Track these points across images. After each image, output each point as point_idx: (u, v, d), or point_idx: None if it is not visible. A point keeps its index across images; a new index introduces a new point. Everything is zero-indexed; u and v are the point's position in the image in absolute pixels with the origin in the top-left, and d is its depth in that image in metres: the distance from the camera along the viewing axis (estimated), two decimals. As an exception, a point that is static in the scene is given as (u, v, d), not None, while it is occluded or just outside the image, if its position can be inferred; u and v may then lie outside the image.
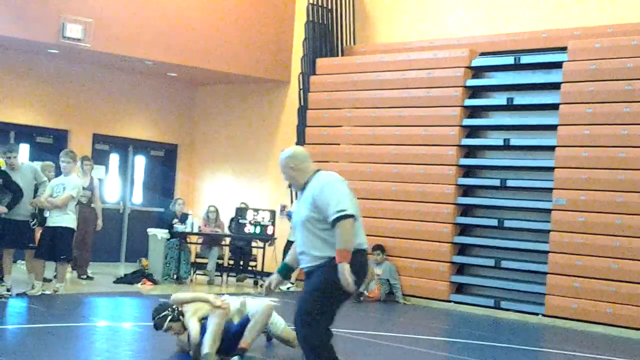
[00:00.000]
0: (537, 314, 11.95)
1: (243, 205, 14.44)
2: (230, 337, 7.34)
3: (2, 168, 10.76)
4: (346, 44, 15.42)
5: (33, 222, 10.93)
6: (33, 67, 14.83)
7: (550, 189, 12.05)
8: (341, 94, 14.48)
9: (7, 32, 12.76)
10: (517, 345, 9.74)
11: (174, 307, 7.41)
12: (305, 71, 14.96)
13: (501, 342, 9.95)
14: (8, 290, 10.54)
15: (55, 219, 10.94)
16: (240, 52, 15.08)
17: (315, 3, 15.05)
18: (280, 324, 8.00)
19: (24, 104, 14.92)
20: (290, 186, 14.60)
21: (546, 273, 11.91)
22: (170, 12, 14.23)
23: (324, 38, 15.17)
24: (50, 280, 11.45)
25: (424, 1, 14.61)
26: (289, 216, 14.02)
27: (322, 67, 14.86)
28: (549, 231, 11.97)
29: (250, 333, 7.34)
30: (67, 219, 10.99)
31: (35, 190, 10.94)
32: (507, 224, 12.58)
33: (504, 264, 12.52)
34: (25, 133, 15.01)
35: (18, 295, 10.57)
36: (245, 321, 7.46)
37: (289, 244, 14.08)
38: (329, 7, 15.24)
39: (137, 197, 16.92)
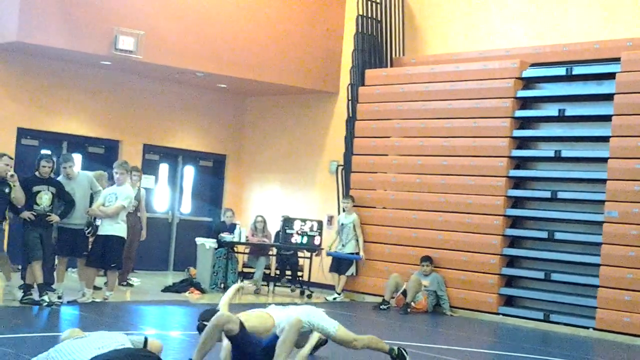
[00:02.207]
0: (587, 328, 11.77)
1: (285, 217, 14.47)
2: (260, 352, 6.81)
3: (58, 178, 10.97)
4: (395, 55, 15.41)
5: (88, 231, 11.13)
6: (86, 79, 15.07)
7: (602, 202, 11.89)
8: (390, 105, 14.47)
9: (60, 44, 13.00)
10: (567, 360, 9.61)
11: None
12: (354, 82, 14.98)
13: (551, 355, 9.80)
14: (59, 297, 10.70)
15: (107, 228, 11.12)
16: (289, 63, 15.15)
17: (364, 15, 15.07)
18: (334, 327, 7.42)
19: (77, 114, 15.17)
20: (341, 198, 14.62)
21: (597, 286, 11.73)
22: (221, 25, 14.37)
23: (373, 49, 15.18)
24: (100, 289, 11.61)
25: (474, 12, 14.55)
26: (341, 229, 14.02)
27: (371, 78, 14.86)
28: (600, 244, 11.80)
29: (281, 350, 6.70)
30: (118, 228, 11.16)
31: (91, 200, 11.13)
32: (557, 236, 12.43)
33: (554, 276, 12.37)
34: (78, 143, 15.24)
35: (69, 302, 10.73)
36: (274, 337, 6.91)
37: (341, 257, 14.10)
38: (379, 19, 15.25)
39: (186, 207, 17.07)
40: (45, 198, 10.54)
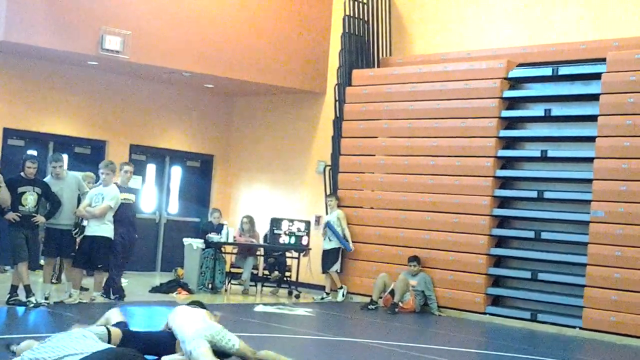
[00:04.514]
0: (574, 327, 11.81)
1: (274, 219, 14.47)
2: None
3: (45, 179, 10.92)
4: (382, 55, 15.42)
5: (76, 232, 11.10)
6: (72, 79, 15.02)
7: (588, 201, 11.93)
8: (377, 105, 14.48)
9: (47, 44, 12.94)
10: (554, 359, 9.62)
11: None
12: (341, 82, 14.98)
13: (538, 355, 9.83)
14: (46, 298, 10.66)
15: (94, 229, 11.09)
16: (276, 63, 15.14)
17: (351, 15, 15.07)
18: (235, 342, 7.02)
19: (63, 114, 15.11)
20: (326, 196, 14.65)
21: (584, 286, 11.78)
22: (208, 25, 14.34)
23: (360, 49, 15.19)
24: (87, 289, 11.58)
25: (461, 12, 14.57)
26: (328, 226, 14.04)
27: (358, 78, 14.87)
28: (586, 243, 11.84)
29: None
30: (104, 229, 11.12)
31: (79, 201, 11.09)
32: (544, 236, 12.47)
33: (541, 276, 12.41)
34: (64, 143, 15.18)
35: (56, 303, 10.69)
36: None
37: (326, 253, 14.12)
38: (366, 19, 15.25)
39: (173, 207, 17.03)
40: (30, 199, 10.47)
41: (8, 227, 10.50)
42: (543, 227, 12.62)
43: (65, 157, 11.77)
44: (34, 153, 14.04)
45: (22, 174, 10.61)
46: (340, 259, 14.16)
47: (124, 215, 11.63)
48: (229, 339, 6.97)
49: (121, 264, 11.88)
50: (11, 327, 9.34)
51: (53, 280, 11.85)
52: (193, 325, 6.96)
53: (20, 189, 10.45)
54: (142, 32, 13.52)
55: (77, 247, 11.24)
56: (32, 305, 10.28)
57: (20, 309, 10.19)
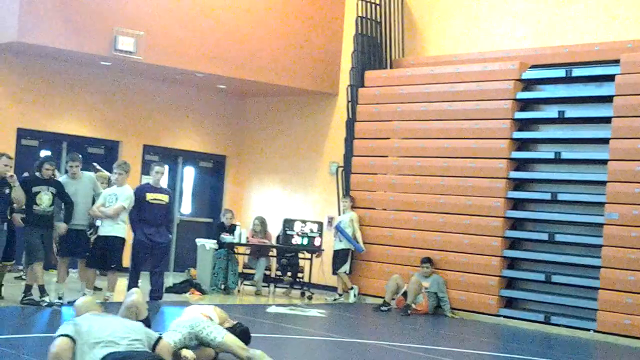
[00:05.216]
0: (588, 330, 11.77)
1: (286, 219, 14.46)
2: None
3: (59, 178, 10.97)
4: (395, 56, 15.40)
5: (90, 232, 11.14)
6: (85, 79, 15.06)
7: (602, 203, 11.88)
8: (389, 106, 14.46)
9: (60, 45, 12.99)
10: (568, 361, 9.60)
11: None
12: (353, 83, 14.97)
13: (551, 357, 9.81)
14: (60, 298, 10.70)
15: (107, 229, 11.13)
16: (289, 64, 15.15)
17: (364, 16, 15.06)
18: (217, 336, 7.09)
19: (77, 115, 15.16)
20: (341, 197, 14.64)
21: (598, 288, 11.73)
22: (220, 25, 14.36)
23: (373, 50, 15.18)
24: (100, 289, 11.61)
25: (474, 13, 14.54)
26: (338, 228, 14.03)
27: (370, 79, 14.86)
28: (600, 246, 11.80)
29: None
30: (118, 229, 11.16)
31: (94, 201, 11.13)
32: (558, 238, 12.43)
33: (555, 278, 12.36)
34: (77, 144, 15.21)
35: (69, 303, 10.71)
36: None
37: (336, 253, 14.11)
38: (378, 20, 15.24)
39: (186, 208, 17.06)
40: (45, 198, 10.52)
41: (24, 227, 10.55)
42: (557, 229, 12.57)
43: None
44: (48, 153, 14.10)
45: (37, 174, 10.66)
46: (349, 260, 14.15)
47: (153, 215, 11.62)
48: (210, 331, 7.03)
49: (155, 265, 11.78)
50: (25, 327, 9.37)
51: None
52: (176, 320, 7.21)
53: (35, 189, 10.50)
54: (155, 33, 13.55)
55: (91, 247, 11.28)
56: (45, 304, 10.31)
57: (34, 309, 10.22)
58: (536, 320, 12.32)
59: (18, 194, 10.26)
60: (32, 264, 10.47)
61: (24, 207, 10.53)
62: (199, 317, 7.23)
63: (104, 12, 13.11)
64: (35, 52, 13.85)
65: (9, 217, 10.48)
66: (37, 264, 10.42)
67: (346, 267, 14.12)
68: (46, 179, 10.62)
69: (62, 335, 5.81)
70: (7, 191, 10.21)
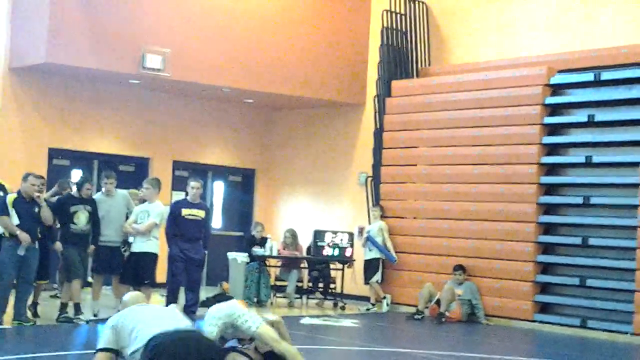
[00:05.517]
0: (625, 333, 11.66)
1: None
2: None
3: (95, 196, 11.08)
4: (421, 65, 15.41)
5: (124, 249, 11.22)
6: (115, 98, 15.20)
7: (635, 206, 11.79)
8: (417, 115, 14.46)
9: (89, 64, 13.14)
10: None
11: None
12: (380, 94, 14.99)
13: (590, 362, 9.73)
14: (95, 315, 10.77)
15: (140, 245, 11.18)
16: (315, 76, 15.20)
17: (389, 27, 15.09)
18: (252, 325, 6.92)
19: (107, 133, 15.29)
20: (371, 207, 14.65)
21: (634, 291, 11.63)
22: (246, 40, 14.44)
23: (399, 60, 15.20)
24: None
25: (499, 20, 14.52)
26: (369, 238, 14.03)
27: (397, 89, 14.87)
28: (635, 249, 11.70)
29: None
30: (150, 245, 11.21)
31: (127, 218, 11.22)
32: (591, 242, 12.34)
33: (590, 282, 12.27)
34: (108, 161, 15.34)
35: (104, 320, 10.77)
36: None
37: (367, 263, 14.10)
38: (404, 30, 15.26)
39: (217, 222, 17.13)
40: (82, 217, 10.65)
41: (63, 245, 10.66)
42: (590, 233, 12.49)
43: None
44: (79, 172, 14.23)
45: (72, 193, 10.78)
46: (381, 269, 14.13)
47: (188, 231, 11.69)
48: (245, 319, 6.90)
49: (190, 280, 11.83)
50: (63, 344, 9.44)
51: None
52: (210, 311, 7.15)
53: (72, 208, 10.63)
54: (181, 50, 13.67)
55: (124, 264, 11.36)
56: (81, 322, 10.39)
57: (70, 326, 10.30)
58: (572, 325, 12.23)
59: (45, 212, 10.34)
60: (71, 282, 10.57)
61: (58, 225, 10.64)
62: (236, 305, 7.20)
63: (131, 31, 13.25)
64: (64, 73, 14.01)
65: (39, 236, 10.57)
66: (76, 282, 10.54)
67: (378, 277, 14.10)
68: (83, 197, 10.74)
69: (100, 350, 5.88)
70: (36, 210, 10.29)
